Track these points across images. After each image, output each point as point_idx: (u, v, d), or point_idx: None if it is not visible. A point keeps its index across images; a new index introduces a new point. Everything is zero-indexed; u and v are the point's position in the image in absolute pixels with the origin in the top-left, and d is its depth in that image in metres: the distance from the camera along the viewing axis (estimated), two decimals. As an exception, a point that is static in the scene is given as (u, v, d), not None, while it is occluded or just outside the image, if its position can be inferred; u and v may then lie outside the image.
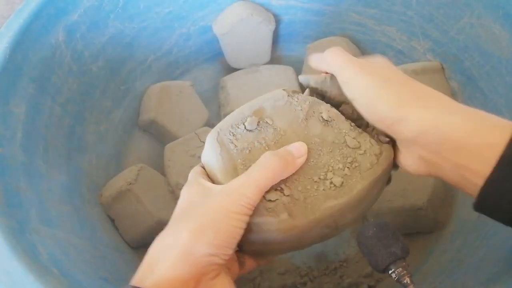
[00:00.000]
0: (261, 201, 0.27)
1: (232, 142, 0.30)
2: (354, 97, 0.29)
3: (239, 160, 0.30)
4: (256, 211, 0.27)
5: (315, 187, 0.29)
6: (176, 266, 0.25)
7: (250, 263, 0.33)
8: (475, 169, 0.24)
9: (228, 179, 0.28)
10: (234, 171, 0.29)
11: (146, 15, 0.56)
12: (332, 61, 0.30)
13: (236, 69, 0.63)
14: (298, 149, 0.29)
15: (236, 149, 0.30)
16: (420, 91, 0.27)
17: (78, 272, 0.37)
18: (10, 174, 0.39)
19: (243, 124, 0.31)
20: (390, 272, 0.30)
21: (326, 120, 0.31)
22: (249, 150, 0.30)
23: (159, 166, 0.55)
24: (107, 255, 0.44)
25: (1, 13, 0.76)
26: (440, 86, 0.52)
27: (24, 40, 0.44)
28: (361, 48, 0.62)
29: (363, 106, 0.28)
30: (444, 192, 0.49)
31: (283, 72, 0.60)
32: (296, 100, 0.32)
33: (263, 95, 0.33)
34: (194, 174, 0.31)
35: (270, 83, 0.59)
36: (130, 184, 0.48)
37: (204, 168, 0.32)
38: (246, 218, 0.27)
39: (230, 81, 0.61)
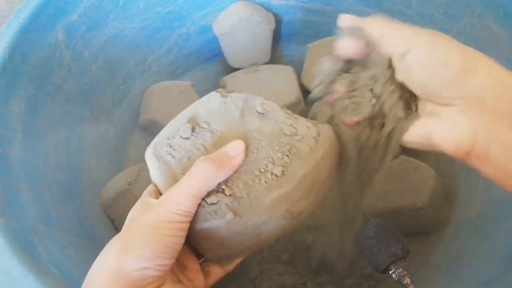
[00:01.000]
0: (203, 206, 0.27)
1: (169, 154, 0.30)
2: (411, 64, 0.25)
3: (179, 170, 0.30)
4: (200, 217, 0.27)
5: (257, 181, 0.28)
6: (106, 286, 0.24)
7: (216, 271, 0.32)
8: None
9: None
10: (175, 182, 0.29)
11: (146, 15, 0.56)
12: (378, 28, 0.27)
13: (236, 69, 0.63)
14: (234, 148, 0.28)
15: (175, 160, 0.30)
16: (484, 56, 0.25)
17: (78, 272, 0.37)
18: (10, 174, 0.39)
19: (178, 133, 0.31)
20: (390, 272, 0.30)
21: (262, 113, 0.31)
22: (188, 158, 0.30)
23: (159, 166, 0.55)
24: (107, 255, 0.44)
25: (1, 13, 0.76)
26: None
27: (24, 40, 0.44)
28: (361, 48, 0.62)
29: (424, 74, 0.24)
30: (444, 192, 0.49)
31: (283, 72, 0.60)
32: (230, 99, 0.32)
33: (197, 100, 0.33)
34: (144, 193, 0.31)
35: (270, 83, 0.59)
36: (130, 184, 0.48)
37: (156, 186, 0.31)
38: (181, 225, 0.26)
39: (230, 81, 0.61)
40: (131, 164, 0.53)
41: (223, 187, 0.28)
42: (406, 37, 0.25)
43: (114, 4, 0.52)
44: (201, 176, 0.27)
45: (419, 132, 0.26)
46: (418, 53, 0.24)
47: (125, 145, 0.58)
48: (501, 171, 0.23)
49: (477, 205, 0.45)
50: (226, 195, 0.28)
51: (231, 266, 0.33)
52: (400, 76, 0.26)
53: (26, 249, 0.34)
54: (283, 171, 0.29)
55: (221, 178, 0.27)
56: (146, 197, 0.30)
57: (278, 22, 0.63)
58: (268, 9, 0.62)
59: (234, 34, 0.59)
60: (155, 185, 0.31)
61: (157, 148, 0.31)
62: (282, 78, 0.59)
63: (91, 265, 0.40)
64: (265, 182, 0.29)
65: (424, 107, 0.27)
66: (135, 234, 0.26)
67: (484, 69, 0.23)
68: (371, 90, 0.30)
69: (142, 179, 0.50)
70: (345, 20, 0.29)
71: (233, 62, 0.64)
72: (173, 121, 0.32)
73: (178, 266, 0.30)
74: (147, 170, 0.51)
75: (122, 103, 0.58)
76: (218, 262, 0.32)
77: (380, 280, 0.47)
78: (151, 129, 0.59)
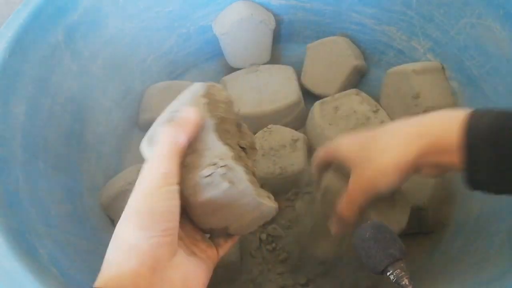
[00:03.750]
0: (199, 180, 0.29)
1: None
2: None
3: None
4: (198, 191, 0.29)
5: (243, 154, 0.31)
6: (120, 261, 0.25)
7: (224, 244, 0.34)
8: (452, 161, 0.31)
9: None
10: None
11: (146, 14, 0.56)
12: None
13: (236, 69, 0.63)
14: (186, 110, 0.29)
15: None
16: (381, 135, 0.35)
17: (78, 272, 0.37)
18: (10, 174, 0.39)
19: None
20: (388, 274, 0.30)
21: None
22: None
23: (159, 166, 0.55)
24: (107, 255, 0.44)
25: (1, 13, 0.76)
26: (440, 86, 0.52)
27: (24, 40, 0.44)
28: (361, 48, 0.62)
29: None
30: (444, 192, 0.49)
31: (283, 72, 0.60)
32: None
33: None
34: None
35: (270, 83, 0.59)
36: (130, 184, 0.48)
37: None
38: (167, 188, 0.27)
39: (230, 81, 0.61)
40: (131, 164, 0.53)
41: (215, 160, 0.29)
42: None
43: (114, 4, 0.52)
44: (164, 137, 0.28)
45: None
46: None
47: (125, 145, 0.58)
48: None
49: (477, 205, 0.45)
50: (219, 166, 0.29)
51: (234, 240, 0.34)
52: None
53: (26, 249, 0.34)
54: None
55: (184, 135, 0.28)
56: None
57: (278, 22, 0.63)
58: (268, 9, 0.62)
59: (234, 34, 0.59)
60: None
61: (150, 138, 0.33)
62: (282, 78, 0.59)
63: (91, 265, 0.40)
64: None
65: None
66: (132, 207, 0.27)
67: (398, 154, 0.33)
68: None
69: (142, 179, 0.50)
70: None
71: (233, 62, 0.64)
72: (162, 114, 0.33)
73: (190, 240, 0.31)
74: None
75: (122, 103, 0.58)
76: (224, 235, 0.33)
77: (381, 280, 0.47)
78: (151, 129, 0.59)
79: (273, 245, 0.50)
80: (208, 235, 0.34)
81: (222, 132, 0.31)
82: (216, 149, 0.29)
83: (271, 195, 0.34)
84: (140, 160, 0.57)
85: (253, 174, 0.33)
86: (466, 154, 0.29)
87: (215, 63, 0.66)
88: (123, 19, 0.54)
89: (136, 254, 0.25)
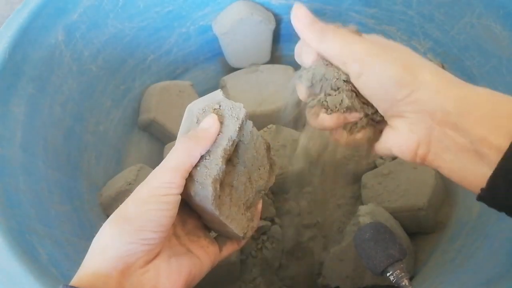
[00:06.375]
0: (193, 182, 0.29)
1: (197, 116, 0.32)
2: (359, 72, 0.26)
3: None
4: (192, 193, 0.29)
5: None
6: (95, 261, 0.26)
7: (230, 246, 0.34)
8: (495, 143, 0.23)
9: None
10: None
11: (146, 14, 0.56)
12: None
13: (236, 69, 0.63)
14: (206, 122, 0.30)
15: (196, 123, 0.32)
16: (431, 65, 0.26)
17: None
18: (10, 174, 0.39)
19: (212, 105, 0.32)
20: (388, 274, 0.30)
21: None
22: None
23: (159, 166, 0.55)
24: (107, 255, 0.44)
25: (1, 13, 0.76)
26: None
27: (23, 40, 0.44)
28: (361, 47, 0.62)
29: (378, 94, 0.26)
30: (444, 192, 0.49)
31: (283, 72, 0.60)
32: None
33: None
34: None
35: (270, 83, 0.59)
36: (130, 184, 0.48)
37: None
38: (166, 198, 0.27)
39: (230, 81, 0.61)
40: (131, 164, 0.53)
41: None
42: (358, 59, 0.26)
43: (114, 4, 0.52)
44: (180, 150, 0.28)
45: (381, 147, 0.29)
46: (369, 76, 0.26)
47: (125, 145, 0.58)
48: (455, 173, 0.26)
49: (477, 205, 0.45)
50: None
51: (242, 242, 0.35)
52: (359, 90, 0.28)
53: (26, 249, 0.34)
54: None
55: (200, 149, 0.29)
56: None
57: (278, 22, 0.63)
58: (268, 8, 0.61)
59: (234, 34, 0.59)
60: None
61: (193, 105, 0.33)
62: (282, 78, 0.59)
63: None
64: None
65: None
66: (122, 210, 0.27)
67: (428, 82, 0.25)
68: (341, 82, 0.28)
69: (142, 179, 0.49)
70: (299, 22, 0.30)
71: (233, 62, 0.64)
72: (192, 112, 0.33)
73: (189, 237, 0.31)
74: (147, 170, 0.51)
75: (122, 103, 0.58)
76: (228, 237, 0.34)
77: (381, 281, 0.47)
78: (151, 129, 0.58)
79: (274, 245, 0.50)
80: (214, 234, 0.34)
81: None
82: (215, 163, 0.30)
83: (253, 224, 0.34)
84: (140, 160, 0.57)
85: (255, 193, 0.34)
86: (503, 163, 0.23)
87: (215, 63, 0.66)
88: (123, 19, 0.54)
89: (111, 257, 0.26)
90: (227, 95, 0.59)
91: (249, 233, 0.34)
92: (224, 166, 0.30)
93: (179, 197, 0.28)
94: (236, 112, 0.31)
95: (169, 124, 0.56)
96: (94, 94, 0.53)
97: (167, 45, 0.61)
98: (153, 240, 0.27)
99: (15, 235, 0.34)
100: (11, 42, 0.42)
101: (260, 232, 0.50)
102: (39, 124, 0.44)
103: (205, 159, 0.29)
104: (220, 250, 0.33)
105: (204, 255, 0.31)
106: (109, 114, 0.56)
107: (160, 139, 0.59)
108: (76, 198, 0.47)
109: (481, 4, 0.46)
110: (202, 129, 0.30)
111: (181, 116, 0.58)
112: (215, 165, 0.29)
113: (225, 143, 0.30)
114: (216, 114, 0.31)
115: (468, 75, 0.50)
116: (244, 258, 0.49)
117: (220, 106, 0.31)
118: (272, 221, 0.51)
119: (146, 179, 0.28)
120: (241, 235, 0.32)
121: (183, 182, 0.28)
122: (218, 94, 0.33)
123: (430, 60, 0.54)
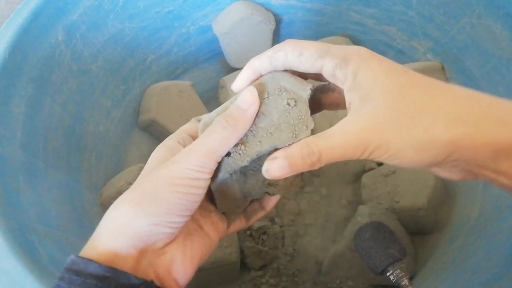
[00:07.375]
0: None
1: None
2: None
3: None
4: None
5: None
6: (114, 238, 0.25)
7: (239, 222, 0.33)
8: None
9: None
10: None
11: (146, 14, 0.56)
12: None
13: (236, 69, 0.63)
14: (245, 100, 0.27)
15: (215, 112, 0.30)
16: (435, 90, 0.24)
17: (78, 272, 0.37)
18: (10, 174, 0.39)
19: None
20: (388, 274, 0.30)
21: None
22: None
23: (159, 166, 0.55)
24: (107, 255, 0.44)
25: (1, 13, 0.76)
26: (440, 86, 0.52)
27: (23, 40, 0.44)
28: (361, 47, 0.62)
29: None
30: (444, 192, 0.49)
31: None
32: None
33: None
34: (172, 136, 0.31)
35: (270, 83, 0.59)
36: (130, 184, 0.48)
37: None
38: (196, 182, 0.26)
39: (230, 81, 0.61)
40: (131, 164, 0.53)
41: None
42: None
43: (114, 4, 0.52)
44: (218, 135, 0.26)
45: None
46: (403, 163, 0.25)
47: (125, 145, 0.58)
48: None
49: (477, 205, 0.45)
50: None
51: (252, 220, 0.33)
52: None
53: (26, 249, 0.34)
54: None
55: (238, 135, 0.27)
56: (175, 143, 0.29)
57: (278, 22, 0.63)
58: (268, 8, 0.61)
59: (234, 34, 0.59)
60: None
61: (206, 124, 0.30)
62: (282, 78, 0.59)
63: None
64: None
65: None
66: (147, 189, 0.25)
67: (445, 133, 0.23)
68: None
69: (142, 179, 0.50)
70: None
71: (233, 62, 0.64)
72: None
73: (201, 211, 0.30)
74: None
75: (122, 103, 0.58)
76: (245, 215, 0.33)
77: (381, 281, 0.47)
78: (151, 129, 0.59)
79: (273, 245, 0.50)
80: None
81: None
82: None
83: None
84: (140, 160, 0.57)
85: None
86: None
87: (215, 63, 0.66)
88: (123, 19, 0.54)
89: (130, 235, 0.25)
90: (227, 95, 0.59)
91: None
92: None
93: (209, 181, 0.27)
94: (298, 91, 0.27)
95: (169, 124, 0.56)
96: (94, 94, 0.53)
97: (167, 45, 0.61)
98: (178, 224, 0.26)
99: (15, 235, 0.34)
100: (11, 42, 0.42)
101: (260, 232, 0.50)
102: (39, 124, 0.44)
103: (239, 147, 0.27)
104: (228, 226, 0.32)
105: (214, 231, 0.30)
106: (109, 114, 0.56)
107: (160, 139, 0.59)
108: (76, 198, 0.47)
109: (481, 4, 0.46)
110: (240, 111, 0.27)
111: (181, 116, 0.58)
112: (246, 157, 0.27)
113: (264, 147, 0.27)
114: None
115: (468, 75, 0.50)
116: (244, 258, 0.49)
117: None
118: (272, 221, 0.52)
119: (174, 159, 0.26)
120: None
121: (215, 167, 0.27)
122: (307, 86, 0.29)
123: (430, 60, 0.55)
